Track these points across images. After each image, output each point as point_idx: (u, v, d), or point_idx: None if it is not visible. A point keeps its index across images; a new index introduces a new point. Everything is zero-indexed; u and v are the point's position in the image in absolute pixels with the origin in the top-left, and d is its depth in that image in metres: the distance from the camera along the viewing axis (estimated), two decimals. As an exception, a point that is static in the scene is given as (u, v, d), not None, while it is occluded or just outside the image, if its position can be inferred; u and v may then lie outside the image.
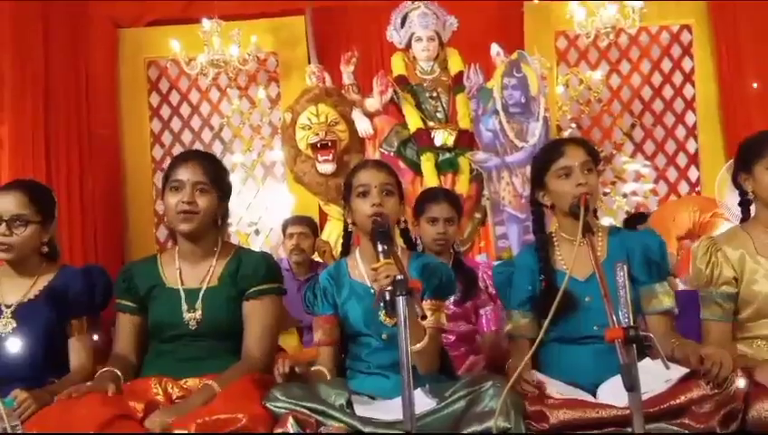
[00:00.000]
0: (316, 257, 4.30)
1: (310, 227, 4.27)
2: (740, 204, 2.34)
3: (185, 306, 2.17)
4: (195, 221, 2.16)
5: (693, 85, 6.01)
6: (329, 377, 2.13)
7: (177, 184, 2.17)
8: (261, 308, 2.19)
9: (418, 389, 1.93)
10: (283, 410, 1.88)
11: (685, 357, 1.97)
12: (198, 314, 2.16)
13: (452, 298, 2.80)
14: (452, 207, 2.93)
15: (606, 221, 5.15)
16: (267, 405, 1.89)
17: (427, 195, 3.05)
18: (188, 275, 2.22)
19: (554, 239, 2.28)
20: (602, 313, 1.76)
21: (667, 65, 6.05)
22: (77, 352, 2.29)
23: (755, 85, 5.57)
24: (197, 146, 6.06)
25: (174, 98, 6.20)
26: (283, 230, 4.29)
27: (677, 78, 6.04)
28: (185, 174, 2.17)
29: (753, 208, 2.31)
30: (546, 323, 1.84)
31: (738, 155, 2.34)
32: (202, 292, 2.19)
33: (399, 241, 2.33)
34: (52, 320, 2.26)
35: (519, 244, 4.43)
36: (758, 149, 2.23)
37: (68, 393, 1.96)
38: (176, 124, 6.19)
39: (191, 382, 2.06)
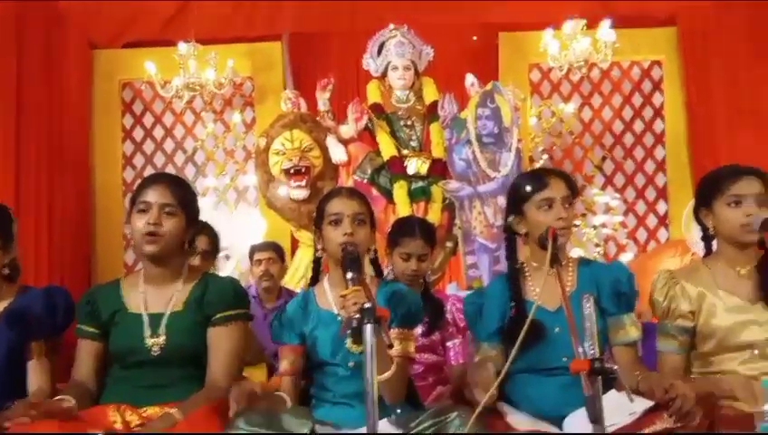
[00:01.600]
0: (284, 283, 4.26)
1: (277, 252, 4.23)
2: (702, 239, 2.37)
3: (147, 332, 2.13)
4: (160, 244, 2.13)
5: (663, 120, 6.11)
6: (288, 404, 2.11)
7: (144, 206, 2.15)
8: (226, 335, 2.15)
9: (384, 419, 1.92)
10: (244, 440, 1.85)
11: (649, 389, 1.98)
12: (162, 339, 2.12)
13: (419, 330, 2.79)
14: (427, 244, 2.88)
15: (575, 253, 5.20)
16: (229, 433, 1.86)
17: (404, 228, 2.96)
18: (153, 299, 2.18)
19: (526, 269, 2.29)
20: (571, 344, 1.76)
21: (637, 100, 6.15)
22: (36, 376, 2.23)
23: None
24: (170, 169, 6.01)
25: (148, 120, 6.16)
26: (251, 256, 4.21)
27: (648, 113, 6.14)
28: (152, 196, 2.15)
29: (714, 243, 2.34)
30: (514, 351, 1.84)
31: (698, 191, 2.37)
32: (166, 317, 2.15)
33: (369, 270, 2.32)
34: (13, 342, 2.20)
35: (489, 274, 4.44)
36: (717, 186, 2.27)
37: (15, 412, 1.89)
38: (148, 146, 6.14)
39: (151, 410, 2.01)
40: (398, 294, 2.18)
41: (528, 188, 2.23)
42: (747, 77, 5.64)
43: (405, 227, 2.96)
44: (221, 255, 5.77)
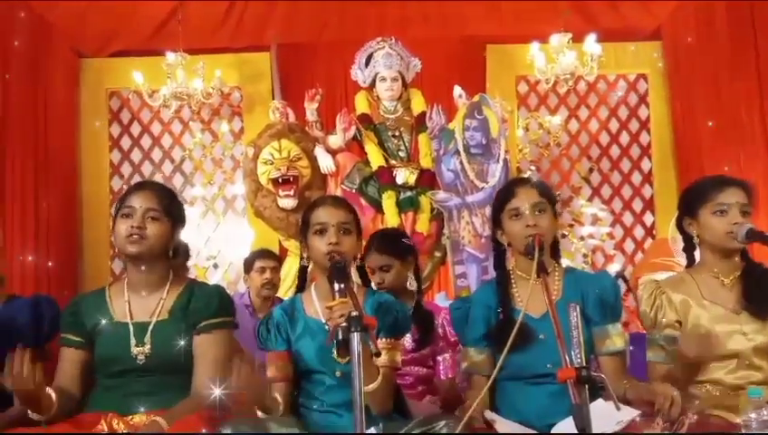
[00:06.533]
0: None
1: (278, 261, 4.18)
2: (684, 249, 2.39)
3: (133, 341, 2.11)
4: (143, 245, 2.12)
5: (648, 132, 6.17)
6: (280, 409, 2.10)
7: (128, 210, 2.14)
8: (212, 342, 2.14)
9: (372, 428, 1.91)
10: (231, 448, 1.84)
11: (637, 398, 1.99)
12: (147, 348, 2.11)
13: (409, 342, 2.79)
14: (383, 255, 2.90)
15: (563, 263, 5.22)
16: (215, 442, 1.86)
17: (366, 243, 3.00)
18: (137, 307, 2.17)
19: (512, 277, 2.30)
20: (556, 351, 1.77)
21: (623, 112, 6.22)
22: None
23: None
24: (158, 178, 5.99)
25: (135, 129, 6.14)
26: (250, 264, 4.08)
27: (634, 125, 6.20)
28: (137, 201, 2.14)
29: (697, 253, 2.36)
30: (503, 355, 1.85)
31: (683, 200, 2.39)
32: (151, 325, 2.13)
33: (356, 278, 2.32)
34: None
35: (478, 283, 4.45)
36: (703, 195, 2.29)
37: None
38: (136, 155, 6.13)
39: (138, 419, 2.00)
40: (386, 304, 2.18)
41: (499, 200, 2.29)
42: (730, 91, 5.71)
43: (366, 242, 2.99)
44: (209, 263, 5.77)
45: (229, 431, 1.86)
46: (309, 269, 2.28)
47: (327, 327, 2.09)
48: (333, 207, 2.21)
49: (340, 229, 2.15)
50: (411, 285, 2.95)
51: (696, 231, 2.30)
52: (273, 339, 2.19)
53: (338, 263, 2.04)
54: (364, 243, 2.41)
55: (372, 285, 2.78)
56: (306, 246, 2.21)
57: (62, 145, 5.73)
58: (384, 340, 2.12)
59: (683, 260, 2.46)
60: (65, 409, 2.05)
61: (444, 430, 1.83)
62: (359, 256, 2.26)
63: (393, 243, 3.01)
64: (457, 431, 1.80)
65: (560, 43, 5.54)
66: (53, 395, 2.01)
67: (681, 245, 2.43)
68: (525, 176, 5.63)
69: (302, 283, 2.30)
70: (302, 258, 2.26)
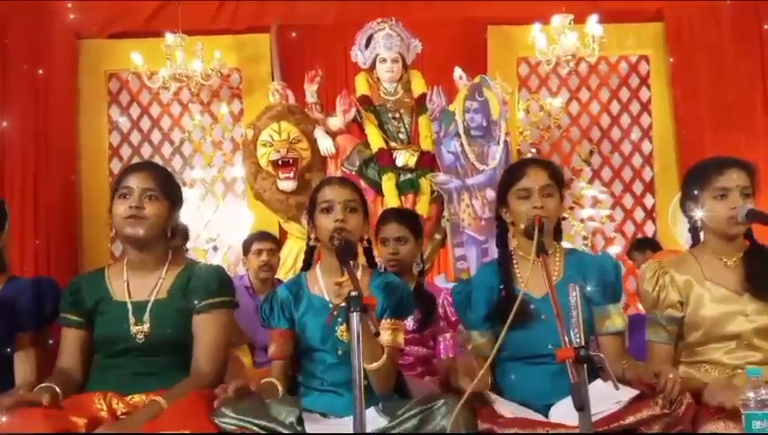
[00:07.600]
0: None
1: (276, 243, 4.18)
2: (689, 231, 2.38)
3: (132, 319, 2.11)
4: (142, 226, 2.12)
5: (650, 115, 6.15)
6: (280, 390, 2.11)
7: (126, 191, 2.14)
8: (211, 322, 2.14)
9: (371, 407, 1.92)
10: (231, 427, 1.84)
11: (636, 378, 2.00)
12: (146, 326, 2.11)
13: (410, 323, 2.80)
14: (402, 226, 2.94)
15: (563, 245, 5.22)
16: (215, 421, 1.86)
17: (380, 216, 3.09)
18: (136, 287, 2.17)
19: (513, 258, 2.30)
20: (557, 331, 1.77)
21: (624, 94, 6.19)
22: (22, 367, 2.22)
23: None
24: (157, 160, 5.96)
25: (134, 111, 6.11)
26: (247, 246, 4.09)
27: (635, 107, 6.18)
28: (134, 181, 2.14)
29: (701, 235, 2.35)
30: (503, 333, 1.86)
31: (684, 183, 2.38)
32: (150, 304, 2.13)
33: (362, 259, 2.32)
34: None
35: (477, 266, 4.46)
36: (703, 178, 2.28)
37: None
38: (135, 138, 6.10)
39: (137, 398, 2.00)
40: (392, 284, 2.19)
41: (508, 178, 2.29)
42: (732, 73, 5.69)
43: (381, 216, 3.09)
44: (208, 246, 5.77)
45: (229, 411, 1.87)
46: (315, 249, 2.28)
47: (330, 305, 2.11)
48: (340, 186, 2.22)
49: (346, 207, 2.16)
50: (416, 267, 2.97)
51: (698, 214, 2.30)
52: (276, 317, 2.20)
53: (344, 241, 2.06)
54: (371, 229, 2.42)
55: (379, 263, 2.80)
56: (313, 225, 2.22)
57: (61, 127, 5.71)
58: (388, 320, 2.13)
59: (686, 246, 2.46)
60: (69, 393, 2.05)
61: (443, 410, 1.84)
62: (365, 237, 2.26)
63: (412, 218, 3.07)
64: (455, 411, 1.80)
65: (561, 25, 5.51)
66: (58, 389, 2.00)
67: (681, 226, 2.43)
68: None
69: (309, 261, 2.30)
70: (309, 239, 2.26)
